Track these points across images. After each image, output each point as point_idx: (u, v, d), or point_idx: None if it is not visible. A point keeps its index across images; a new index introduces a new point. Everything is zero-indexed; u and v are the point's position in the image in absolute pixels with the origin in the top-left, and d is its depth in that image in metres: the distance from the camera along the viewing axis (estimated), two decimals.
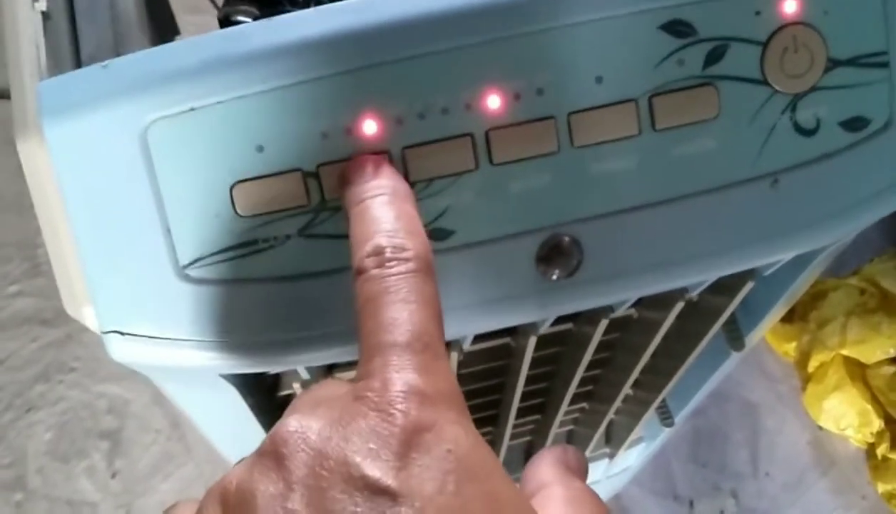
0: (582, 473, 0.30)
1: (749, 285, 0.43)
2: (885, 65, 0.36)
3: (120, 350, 0.33)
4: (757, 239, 0.36)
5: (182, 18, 0.65)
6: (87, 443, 1.22)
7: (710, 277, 0.38)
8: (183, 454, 1.22)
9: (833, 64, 0.35)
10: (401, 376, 0.24)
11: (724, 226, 0.36)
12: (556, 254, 0.35)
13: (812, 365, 1.16)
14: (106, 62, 0.31)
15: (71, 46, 0.36)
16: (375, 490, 0.22)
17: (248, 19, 0.44)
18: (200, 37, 0.32)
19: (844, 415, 1.14)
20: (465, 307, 0.35)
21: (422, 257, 0.27)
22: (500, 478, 0.24)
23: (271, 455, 0.24)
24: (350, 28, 0.31)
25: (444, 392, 0.24)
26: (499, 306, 0.35)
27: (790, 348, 1.19)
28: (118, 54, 0.43)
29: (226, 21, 0.46)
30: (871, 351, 1.11)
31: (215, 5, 0.58)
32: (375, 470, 0.22)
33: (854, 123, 0.36)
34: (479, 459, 0.23)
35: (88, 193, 0.31)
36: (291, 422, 0.24)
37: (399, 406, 0.23)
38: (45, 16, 0.35)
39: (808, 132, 0.36)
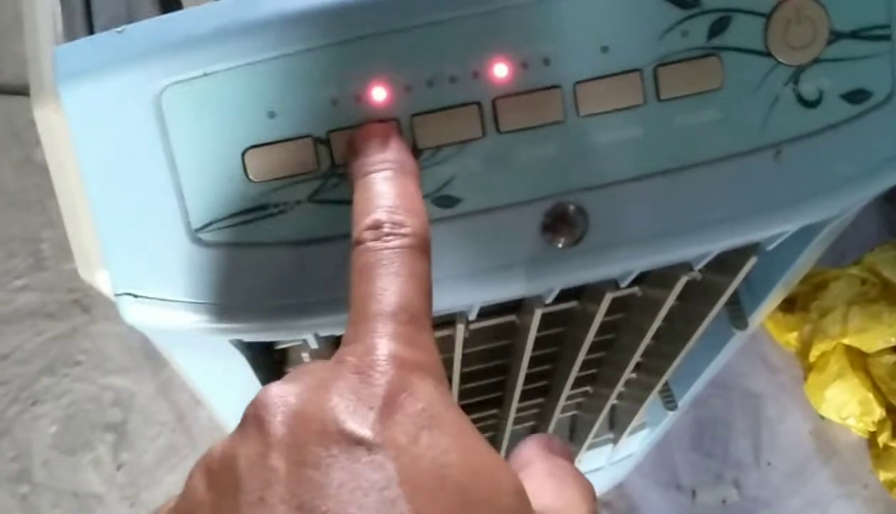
0: (566, 456, 0.31)
1: (752, 261, 0.44)
2: (886, 38, 0.36)
3: (132, 313, 0.33)
4: (760, 209, 0.37)
5: None
6: (93, 436, 1.23)
7: (715, 248, 0.39)
8: (188, 446, 1.23)
9: (835, 36, 0.36)
10: (384, 342, 0.25)
11: (728, 196, 0.36)
12: (561, 222, 0.35)
13: (813, 355, 1.16)
14: (121, 28, 0.32)
15: (85, 17, 0.36)
16: (352, 441, 0.22)
17: None
18: (213, 3, 0.32)
19: (846, 404, 1.15)
20: (472, 275, 0.35)
21: (418, 235, 0.28)
22: (474, 437, 0.24)
23: (252, 420, 0.24)
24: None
25: (423, 363, 0.25)
26: (505, 274, 0.36)
27: (791, 338, 1.20)
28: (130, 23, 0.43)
29: None
30: (873, 340, 1.12)
31: None
32: (352, 424, 0.23)
33: (856, 96, 0.36)
34: (453, 418, 0.24)
35: (103, 157, 0.32)
36: (272, 388, 0.25)
37: (379, 369, 0.24)
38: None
39: (810, 104, 0.36)
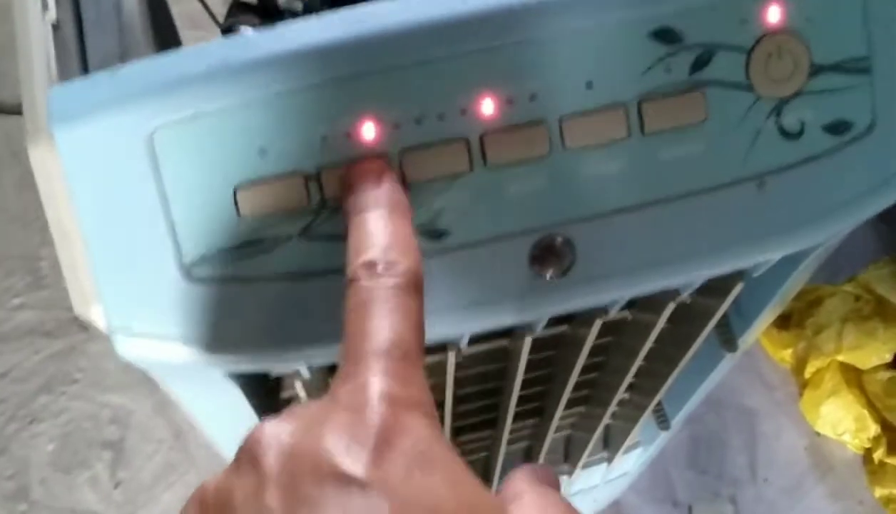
0: (556, 487, 0.31)
1: (739, 287, 0.44)
2: (866, 70, 0.37)
3: (127, 349, 0.34)
4: (745, 239, 0.37)
5: (183, 34, 0.66)
6: (91, 453, 1.23)
7: (700, 277, 0.39)
8: (185, 463, 1.23)
9: (816, 69, 0.36)
10: (377, 380, 0.25)
11: (713, 227, 0.37)
12: (549, 254, 0.36)
13: (808, 371, 1.17)
14: (113, 69, 0.33)
15: (79, 56, 0.37)
16: (346, 481, 0.23)
17: (250, 29, 0.46)
18: (204, 44, 0.33)
19: (841, 420, 1.15)
20: (461, 307, 0.36)
21: (412, 273, 0.29)
22: (465, 473, 0.25)
23: (247, 456, 0.25)
24: (349, 37, 0.33)
25: (416, 399, 0.26)
26: (493, 306, 0.36)
27: (786, 355, 1.20)
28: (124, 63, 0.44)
29: (228, 32, 0.47)
30: (867, 357, 1.12)
31: (216, 21, 0.59)
32: (347, 462, 0.23)
33: (837, 127, 0.37)
34: (445, 455, 0.25)
35: (97, 196, 0.32)
36: (266, 425, 0.25)
37: (373, 407, 0.25)
38: (55, 27, 0.36)
39: (792, 136, 0.37)
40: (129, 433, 1.24)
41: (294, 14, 0.47)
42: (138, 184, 0.32)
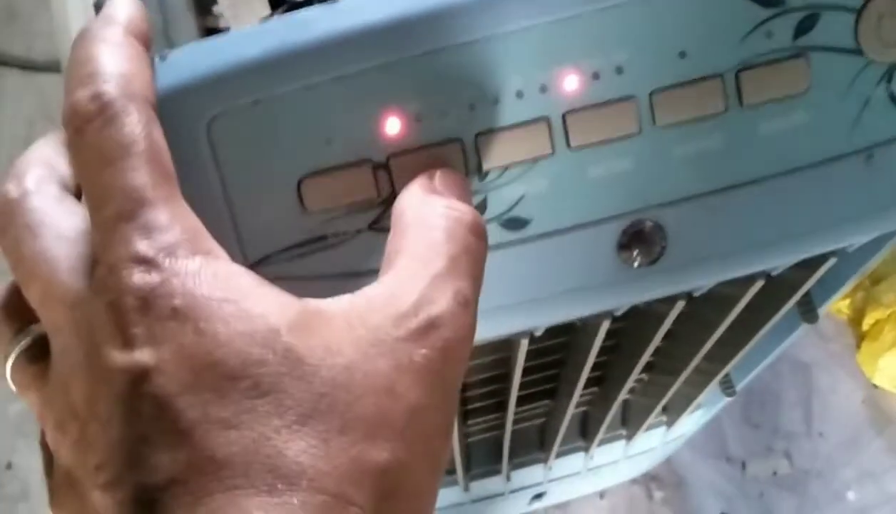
0: (451, 191, 0.29)
1: (830, 262, 0.41)
2: None
3: None
4: (848, 218, 0.34)
5: None
6: None
7: (796, 258, 0.37)
8: None
9: None
10: (121, 252, 0.23)
11: (815, 205, 0.34)
12: (638, 241, 0.33)
13: (867, 323, 1.13)
14: (164, 53, 0.30)
15: None
16: (126, 377, 0.22)
17: None
18: (260, 25, 0.30)
19: None
20: (543, 298, 0.33)
21: (118, 97, 0.24)
22: (235, 299, 0.23)
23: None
24: (420, 10, 0.30)
25: (169, 245, 0.23)
26: (578, 296, 0.34)
27: (843, 306, 1.17)
28: (167, 37, 0.41)
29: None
30: None
31: None
32: (114, 358, 0.22)
33: None
34: (217, 293, 0.23)
35: None
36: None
37: (124, 285, 0.22)
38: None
39: None
40: None
41: None
42: (197, 178, 0.30)
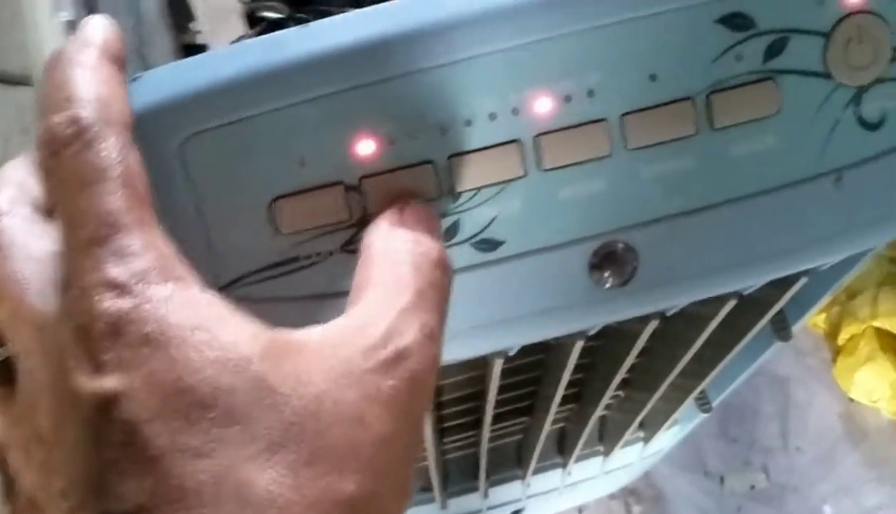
0: (419, 226, 0.29)
1: (802, 281, 0.42)
2: None
3: None
4: (818, 239, 0.35)
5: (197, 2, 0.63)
6: None
7: (767, 278, 0.37)
8: None
9: None
10: (93, 277, 0.22)
11: (785, 227, 0.34)
12: (609, 262, 0.33)
13: (842, 337, 1.14)
14: (136, 75, 0.30)
15: None
16: (95, 403, 0.21)
17: (276, 15, 0.43)
18: (235, 46, 0.30)
19: (876, 387, 1.13)
20: (516, 319, 0.33)
21: (95, 121, 0.24)
22: (208, 326, 0.22)
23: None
24: (393, 33, 0.30)
25: (142, 270, 0.23)
26: (550, 317, 0.34)
27: (819, 321, 1.18)
28: (142, 57, 0.41)
29: (251, 16, 0.44)
30: None
31: None
32: (83, 383, 0.22)
33: None
34: (188, 320, 0.22)
35: None
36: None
37: (95, 310, 0.22)
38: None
39: (873, 126, 0.34)
40: None
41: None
42: (171, 199, 0.30)
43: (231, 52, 0.30)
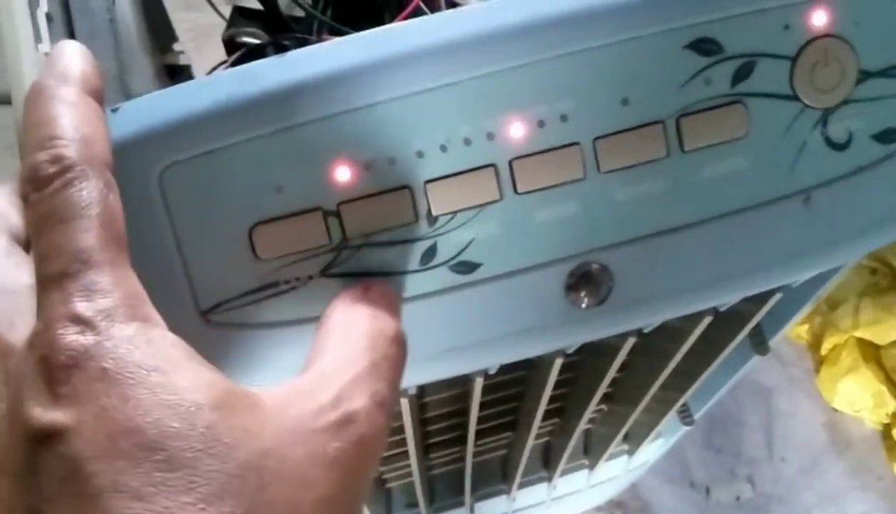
0: (378, 303, 0.30)
1: (777, 297, 0.42)
2: None
3: None
4: (789, 257, 0.35)
5: (175, 16, 0.63)
6: None
7: (741, 296, 0.37)
8: None
9: (864, 76, 0.34)
10: (60, 310, 0.23)
11: (757, 245, 0.35)
12: (585, 282, 0.34)
13: (825, 348, 1.15)
14: (116, 106, 0.30)
15: None
16: (43, 435, 0.22)
17: (254, 41, 0.43)
18: (211, 77, 0.31)
19: (859, 397, 1.14)
20: (494, 340, 0.34)
21: (78, 161, 0.25)
22: (165, 369, 0.23)
23: None
24: (366, 62, 0.30)
25: (108, 308, 0.23)
26: (528, 337, 0.34)
27: (802, 331, 1.19)
28: (123, 83, 0.41)
29: (230, 42, 0.45)
30: (885, 332, 1.11)
31: (213, 6, 0.57)
32: (36, 414, 0.22)
33: (887, 135, 0.35)
34: (148, 361, 0.23)
35: None
36: None
37: (58, 342, 0.22)
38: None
39: (840, 146, 0.34)
40: None
41: (296, 21, 0.44)
42: (149, 227, 0.30)
43: (207, 82, 0.30)
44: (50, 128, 0.25)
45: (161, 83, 0.52)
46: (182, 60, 0.64)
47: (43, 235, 0.24)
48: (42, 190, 0.25)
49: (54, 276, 0.23)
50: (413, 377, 0.35)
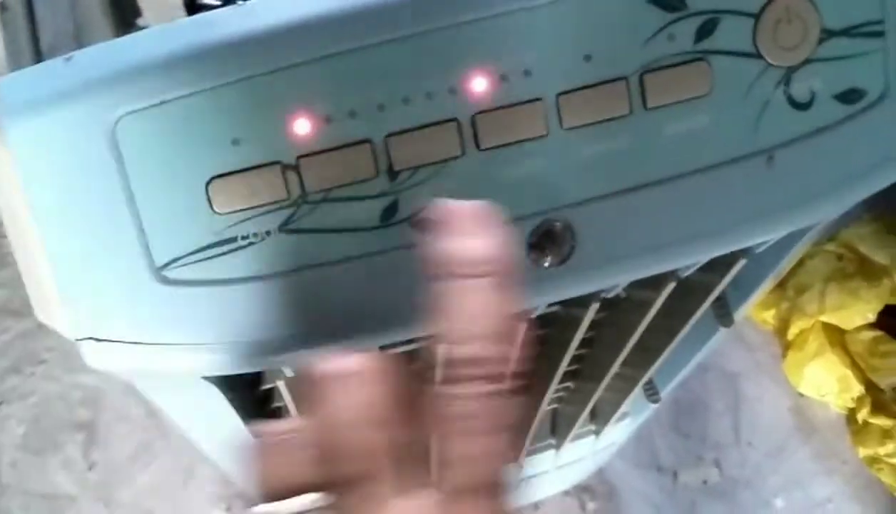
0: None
1: (741, 263, 0.42)
2: (879, 34, 0.35)
3: (96, 357, 0.31)
4: (752, 217, 0.35)
5: None
6: (63, 435, 1.20)
7: (704, 257, 0.37)
8: (160, 443, 1.20)
9: (827, 35, 0.34)
10: None
11: (719, 205, 0.35)
12: (547, 241, 0.33)
13: (791, 332, 1.16)
14: (69, 55, 0.30)
15: (30, 40, 0.34)
16: None
17: (216, 1, 0.43)
18: (168, 25, 0.30)
19: (825, 381, 1.14)
20: None
21: (499, 371, 0.24)
22: None
23: None
24: (328, 11, 0.30)
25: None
26: None
27: (769, 316, 1.19)
28: (80, 44, 0.41)
29: (193, 4, 0.44)
30: (850, 317, 1.11)
31: None
32: None
33: (849, 95, 0.35)
34: None
35: (56, 195, 0.30)
36: None
37: None
38: (2, 7, 0.33)
39: (802, 106, 0.34)
40: (101, 413, 1.21)
41: None
42: (101, 180, 0.30)
43: (162, 30, 0.30)
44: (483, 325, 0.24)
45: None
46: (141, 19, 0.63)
47: (455, 439, 0.24)
48: (459, 385, 0.24)
49: (466, 489, 0.24)
50: (378, 339, 0.34)
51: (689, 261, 0.37)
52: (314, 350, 0.33)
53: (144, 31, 0.30)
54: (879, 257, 1.12)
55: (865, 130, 0.35)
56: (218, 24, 0.30)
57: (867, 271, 1.12)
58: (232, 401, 0.41)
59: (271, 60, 0.30)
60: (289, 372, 0.37)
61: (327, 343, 0.33)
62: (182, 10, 0.52)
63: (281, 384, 0.41)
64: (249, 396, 0.46)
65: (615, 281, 0.36)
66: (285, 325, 0.32)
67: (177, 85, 0.29)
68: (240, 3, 0.30)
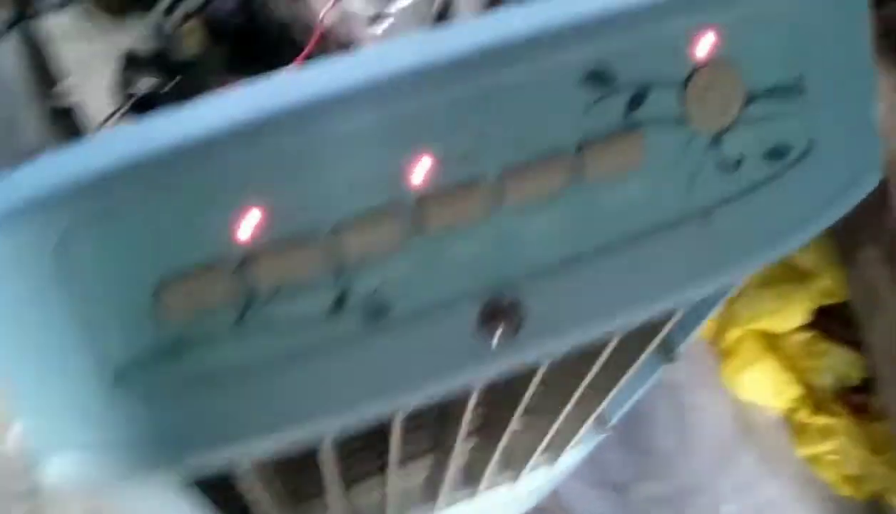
0: None
1: (680, 313, 0.43)
2: (801, 91, 0.36)
3: (58, 475, 0.31)
4: (693, 275, 0.37)
5: (64, 47, 0.61)
6: (3, 507, 1.17)
7: (647, 316, 0.38)
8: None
9: (751, 97, 0.35)
10: None
11: (661, 267, 0.36)
12: (497, 317, 0.34)
13: (727, 340, 1.18)
14: (3, 174, 0.29)
15: None
16: None
17: (147, 91, 0.42)
18: (105, 136, 0.30)
19: (763, 386, 1.17)
20: (407, 382, 0.34)
21: None
22: None
23: None
24: (258, 113, 0.30)
25: None
26: (441, 377, 0.34)
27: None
28: (11, 142, 0.40)
29: (126, 85, 0.44)
30: (784, 320, 1.14)
31: None
32: None
33: (776, 153, 0.36)
34: None
35: (6, 312, 0.29)
36: None
37: None
38: None
39: (733, 167, 0.36)
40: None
41: (191, 64, 0.43)
42: (49, 296, 0.29)
43: (102, 142, 0.30)
44: None
45: (51, 131, 0.51)
46: (71, 100, 0.62)
47: None
48: None
49: None
50: (330, 428, 0.35)
51: (635, 321, 0.38)
52: (272, 443, 0.33)
53: (79, 145, 0.29)
54: (805, 261, 1.15)
55: (795, 184, 0.37)
56: (151, 135, 0.30)
57: (797, 275, 1.15)
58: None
59: (210, 164, 0.30)
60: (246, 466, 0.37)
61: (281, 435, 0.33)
62: (101, 64, 0.52)
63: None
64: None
65: (563, 348, 0.37)
66: (243, 422, 0.32)
67: (119, 195, 0.29)
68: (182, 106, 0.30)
